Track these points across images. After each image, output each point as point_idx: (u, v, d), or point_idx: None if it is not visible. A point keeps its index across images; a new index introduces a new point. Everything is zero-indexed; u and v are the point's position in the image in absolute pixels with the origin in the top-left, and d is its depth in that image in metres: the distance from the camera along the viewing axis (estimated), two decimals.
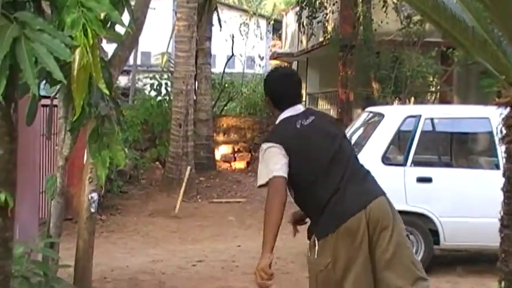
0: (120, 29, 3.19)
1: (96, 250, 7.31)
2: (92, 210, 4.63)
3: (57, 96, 4.17)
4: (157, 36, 24.43)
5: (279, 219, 3.33)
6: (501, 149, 4.94)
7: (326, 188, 3.19)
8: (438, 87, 17.46)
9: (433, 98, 17.66)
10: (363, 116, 8.26)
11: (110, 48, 5.23)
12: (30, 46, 2.45)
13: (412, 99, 16.45)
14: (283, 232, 9.35)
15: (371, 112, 8.05)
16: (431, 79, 17.50)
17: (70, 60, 2.51)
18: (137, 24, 4.91)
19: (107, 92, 2.77)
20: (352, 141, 7.80)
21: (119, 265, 7.07)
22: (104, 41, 3.94)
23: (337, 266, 3.17)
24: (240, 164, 16.24)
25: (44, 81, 3.06)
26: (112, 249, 8.06)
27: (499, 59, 3.08)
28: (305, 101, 24.04)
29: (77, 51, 2.55)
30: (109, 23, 2.74)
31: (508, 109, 3.15)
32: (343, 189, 3.18)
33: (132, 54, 21.90)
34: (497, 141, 6.23)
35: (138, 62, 23.80)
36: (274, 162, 3.30)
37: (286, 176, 3.30)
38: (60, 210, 4.34)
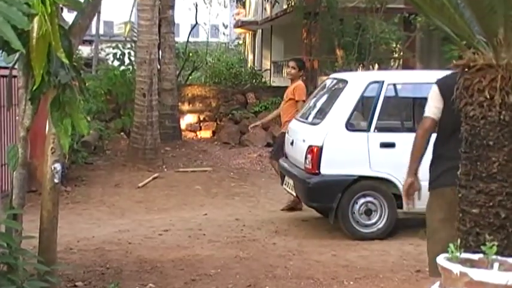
0: None
1: (62, 221, 7.28)
2: (56, 180, 4.58)
3: (16, 66, 4.11)
4: (120, 5, 24.07)
5: (418, 149, 4.12)
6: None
7: (454, 148, 3.48)
8: (401, 54, 17.60)
9: (397, 64, 17.81)
10: (326, 83, 8.31)
11: (69, 16, 5.15)
12: None
13: (376, 65, 16.57)
14: (250, 200, 9.50)
15: (335, 79, 8.11)
16: (394, 45, 17.64)
17: (28, 28, 2.48)
18: None
19: (67, 61, 2.74)
20: (316, 108, 7.89)
21: (84, 236, 7.06)
22: (64, 10, 3.89)
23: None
24: (205, 133, 16.22)
25: (1, 51, 3.02)
26: (78, 220, 8.03)
27: (457, 22, 3.12)
28: (270, 69, 24.04)
29: (35, 19, 2.52)
30: None
31: (466, 71, 3.21)
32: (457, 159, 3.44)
33: (94, 23, 21.53)
34: None
35: (101, 31, 23.40)
36: (428, 104, 4.05)
37: (434, 117, 4.02)
38: (22, 181, 4.30)
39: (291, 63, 8.98)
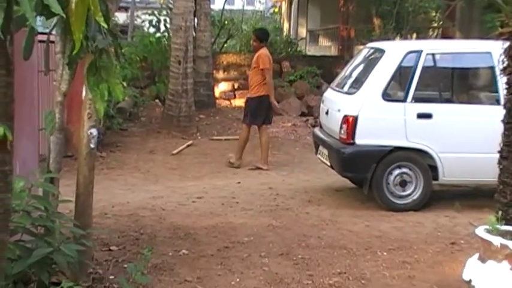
0: None
1: (97, 186, 7.37)
2: (92, 146, 4.63)
3: (53, 31, 4.12)
4: None
5: None
6: (502, 82, 4.93)
7: None
8: (441, 23, 17.26)
9: (436, 33, 17.49)
10: (363, 52, 8.20)
11: None
12: None
13: (414, 35, 16.29)
14: (283, 169, 9.50)
15: (371, 48, 7.99)
16: (433, 14, 17.29)
17: None
18: None
19: (105, 25, 2.73)
20: (352, 78, 7.80)
21: (119, 201, 7.14)
22: None
23: None
24: (239, 102, 16.15)
25: (40, 16, 3.02)
26: (112, 185, 8.12)
27: None
28: (306, 38, 23.82)
29: None
30: None
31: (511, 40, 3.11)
32: None
33: None
34: (498, 75, 6.20)
35: None
36: None
37: None
38: (59, 146, 4.35)
39: (253, 36, 9.73)
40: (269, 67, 9.19)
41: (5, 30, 2.60)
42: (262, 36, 9.52)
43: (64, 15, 2.47)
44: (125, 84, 3.43)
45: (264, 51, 9.29)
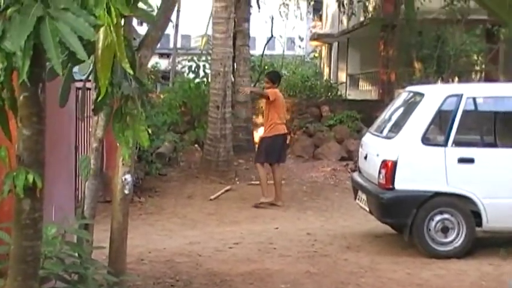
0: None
1: (134, 232, 7.45)
2: (126, 192, 4.65)
3: (90, 78, 4.19)
4: (198, 18, 24.47)
5: None
6: None
7: None
8: (483, 66, 17.08)
9: (478, 77, 17.30)
10: (402, 96, 8.13)
11: (142, 29, 5.22)
12: (54, 25, 2.44)
13: (456, 78, 16.14)
14: (322, 214, 9.40)
15: (411, 91, 7.93)
16: (475, 58, 17.14)
17: (94, 39, 2.51)
18: (168, 3, 4.89)
19: (131, 72, 2.75)
20: (391, 121, 7.73)
21: (156, 247, 7.13)
22: (135, 21, 3.93)
23: None
24: None
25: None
26: (150, 231, 8.14)
27: None
28: (346, 82, 23.85)
29: (101, 30, 2.54)
30: (132, 1, 2.72)
31: None
32: None
33: (173, 37, 22.03)
34: None
35: (178, 45, 23.91)
36: None
37: None
38: (94, 191, 4.38)
39: (265, 78, 10.39)
40: (275, 98, 9.69)
41: (35, 78, 2.63)
42: (274, 78, 10.14)
43: (90, 62, 2.50)
44: (150, 131, 3.41)
45: (275, 90, 9.89)
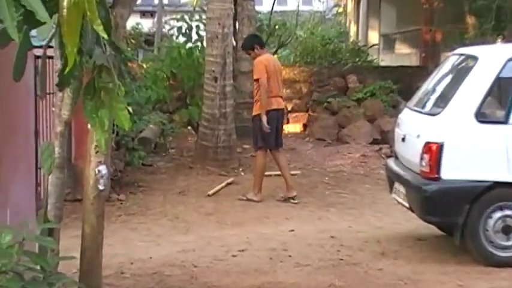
0: None
1: (112, 238, 7.48)
2: (100, 187, 4.65)
3: (52, 44, 4.18)
4: None
5: None
6: None
7: None
8: None
9: None
10: (451, 61, 8.12)
11: None
12: None
13: None
14: (349, 212, 9.45)
15: (462, 55, 7.91)
16: None
17: None
18: None
19: (105, 35, 2.74)
20: (436, 93, 7.72)
21: (140, 256, 7.17)
22: None
23: None
24: (294, 127, 16.22)
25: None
26: (132, 236, 8.18)
27: None
28: (378, 45, 23.77)
29: None
30: None
31: None
32: None
33: None
34: None
35: (165, 1, 23.93)
36: None
37: None
38: (60, 188, 4.37)
39: (245, 52, 10.76)
40: (264, 75, 9.80)
41: None
42: (250, 44, 10.37)
43: (53, 23, 2.50)
44: (130, 109, 3.38)
45: (261, 57, 10.04)
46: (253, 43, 10.33)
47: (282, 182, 10.08)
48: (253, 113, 10.16)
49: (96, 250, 4.67)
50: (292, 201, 9.83)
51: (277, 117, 10.02)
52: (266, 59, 10.07)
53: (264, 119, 9.72)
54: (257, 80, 9.94)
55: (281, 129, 10.35)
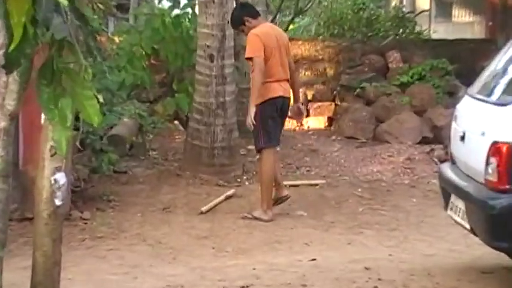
0: None
1: (74, 269, 7.49)
2: (57, 202, 4.66)
3: None
4: None
5: None
6: None
7: None
8: None
9: None
10: None
11: None
12: None
13: None
14: (390, 235, 9.43)
15: None
16: None
17: None
18: None
19: (64, 1, 2.74)
20: (507, 77, 7.68)
21: None
22: None
23: None
24: (316, 122, 16.21)
25: None
26: (100, 267, 8.17)
27: None
28: (429, 11, 23.77)
29: None
30: None
31: None
32: None
33: None
34: None
35: None
36: None
37: None
38: (4, 203, 4.38)
39: (235, 29, 11.12)
40: (260, 53, 9.86)
41: None
42: (238, 18, 10.45)
43: None
44: (101, 98, 3.35)
45: (255, 30, 10.11)
46: (241, 16, 10.37)
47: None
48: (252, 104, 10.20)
49: (51, 285, 4.67)
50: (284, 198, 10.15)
51: (283, 105, 10.12)
52: (263, 31, 10.11)
53: (253, 111, 9.78)
54: (250, 59, 10.04)
55: (283, 122, 10.51)
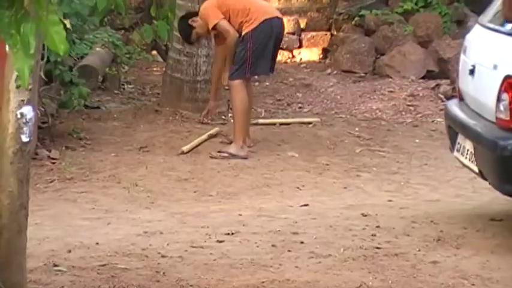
0: None
1: (42, 213, 7.51)
2: (24, 138, 4.66)
3: None
4: None
5: None
6: None
7: None
8: None
9: None
10: None
11: None
12: None
13: None
14: (390, 179, 9.41)
15: None
16: None
17: None
18: None
19: None
20: None
21: (81, 240, 7.16)
22: None
23: None
24: (309, 53, 16.17)
25: None
26: (70, 211, 8.20)
27: None
28: None
29: None
30: None
31: None
32: None
33: None
34: None
35: None
36: None
37: None
38: None
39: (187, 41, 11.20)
40: (219, 17, 10.05)
41: None
42: (186, 28, 10.75)
43: None
44: (68, 24, 3.31)
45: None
46: (186, 25, 10.70)
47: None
48: (243, 34, 10.14)
49: (17, 231, 4.69)
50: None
51: (279, 28, 10.20)
52: None
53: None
54: (214, 28, 10.21)
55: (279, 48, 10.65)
